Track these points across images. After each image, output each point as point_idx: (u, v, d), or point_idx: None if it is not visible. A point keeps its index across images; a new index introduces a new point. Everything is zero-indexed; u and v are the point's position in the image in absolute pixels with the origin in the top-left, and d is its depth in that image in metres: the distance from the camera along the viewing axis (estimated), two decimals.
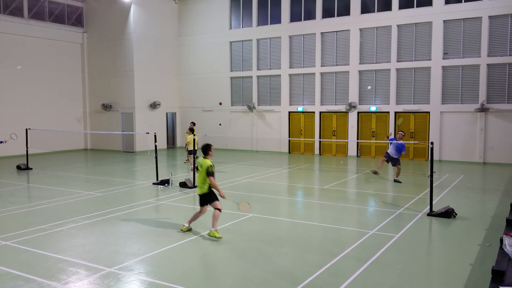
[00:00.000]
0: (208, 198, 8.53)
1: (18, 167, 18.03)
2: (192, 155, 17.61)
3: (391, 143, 15.02)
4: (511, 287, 4.53)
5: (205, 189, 8.46)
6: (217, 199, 8.54)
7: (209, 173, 8.34)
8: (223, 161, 20.73)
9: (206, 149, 8.63)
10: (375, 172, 15.36)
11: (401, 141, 14.70)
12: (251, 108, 25.03)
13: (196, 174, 8.85)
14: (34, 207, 11.36)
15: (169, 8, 27.05)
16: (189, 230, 8.82)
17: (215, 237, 8.27)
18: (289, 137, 24.31)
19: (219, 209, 8.44)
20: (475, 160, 19.83)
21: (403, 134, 15.07)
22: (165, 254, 7.61)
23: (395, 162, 14.88)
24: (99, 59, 26.25)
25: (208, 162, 8.43)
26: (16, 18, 23.12)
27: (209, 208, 8.72)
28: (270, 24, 24.60)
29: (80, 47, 26.56)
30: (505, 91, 19.26)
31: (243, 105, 25.53)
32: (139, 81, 25.13)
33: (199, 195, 8.60)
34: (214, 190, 8.53)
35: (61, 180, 15.57)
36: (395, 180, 14.79)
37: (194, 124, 20.05)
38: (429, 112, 20.80)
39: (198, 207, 10.80)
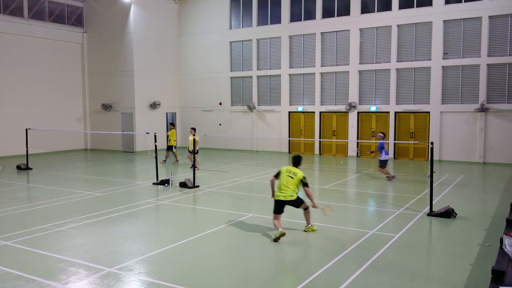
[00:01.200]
0: (295, 203, 8.69)
1: (18, 167, 18.02)
2: (192, 155, 17.64)
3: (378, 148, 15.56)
4: (511, 287, 4.53)
5: (294, 196, 8.61)
6: (303, 201, 8.78)
7: (306, 183, 8.65)
8: (223, 161, 20.73)
9: (299, 161, 8.93)
10: (391, 178, 15.40)
11: (381, 141, 15.32)
12: (251, 108, 25.03)
13: (280, 181, 8.72)
14: (34, 207, 11.36)
15: (169, 8, 27.05)
16: (283, 234, 8.28)
17: (313, 230, 8.93)
18: (289, 137, 24.31)
19: (307, 208, 8.83)
20: (475, 160, 19.83)
21: (382, 135, 15.57)
22: (165, 254, 7.61)
23: (382, 163, 15.35)
24: (99, 59, 26.25)
25: (301, 172, 8.68)
26: (16, 18, 23.12)
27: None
28: (270, 24, 24.60)
29: (80, 47, 26.57)
30: (505, 91, 19.26)
31: (243, 105, 25.53)
32: (139, 81, 25.14)
33: (285, 201, 8.55)
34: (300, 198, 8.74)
35: (61, 180, 15.57)
36: (388, 178, 15.36)
37: (173, 125, 20.22)
38: (429, 112, 20.80)
39: (198, 207, 10.79)
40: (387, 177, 15.43)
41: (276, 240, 8.18)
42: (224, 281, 6.47)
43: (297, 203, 8.69)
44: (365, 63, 22.19)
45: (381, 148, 15.24)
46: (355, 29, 22.12)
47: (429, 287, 6.27)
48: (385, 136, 16.04)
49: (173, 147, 19.67)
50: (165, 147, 26.87)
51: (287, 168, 8.72)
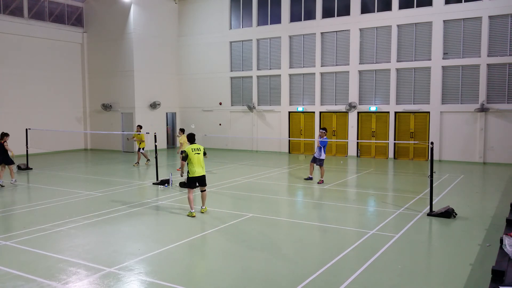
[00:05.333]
0: (204, 180, 10.25)
1: (18, 167, 18.00)
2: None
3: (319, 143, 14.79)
4: (511, 287, 4.53)
5: (204, 171, 10.17)
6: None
7: (205, 153, 10.33)
8: (223, 161, 20.73)
9: (195, 136, 10.46)
10: (310, 178, 14.93)
11: (324, 138, 14.51)
12: (251, 108, 25.03)
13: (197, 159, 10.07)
14: (34, 207, 11.36)
15: (169, 8, 27.05)
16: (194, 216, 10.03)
17: (204, 211, 10.37)
18: (289, 137, 24.31)
19: (205, 190, 10.43)
20: (475, 160, 19.83)
21: (324, 131, 14.62)
22: (165, 254, 7.61)
23: (319, 162, 14.55)
24: (99, 59, 26.25)
25: (201, 145, 10.25)
26: (16, 18, 23.12)
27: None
28: (270, 24, 24.60)
29: (80, 47, 26.57)
30: (505, 91, 19.26)
31: (243, 105, 25.53)
32: (139, 81, 25.13)
33: (203, 176, 10.10)
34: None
35: (61, 180, 15.57)
36: (321, 181, 14.50)
37: (140, 127, 19.66)
38: (429, 112, 20.80)
39: (198, 207, 10.81)
40: (309, 178, 14.90)
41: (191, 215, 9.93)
42: (224, 281, 6.47)
43: (205, 180, 10.25)
44: (365, 63, 22.19)
45: (324, 145, 14.49)
46: (355, 29, 22.12)
47: (429, 287, 6.27)
48: (327, 132, 15.13)
49: (142, 149, 19.37)
50: (165, 147, 27.10)
51: (191, 147, 10.02)
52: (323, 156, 14.52)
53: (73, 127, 26.04)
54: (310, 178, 14.99)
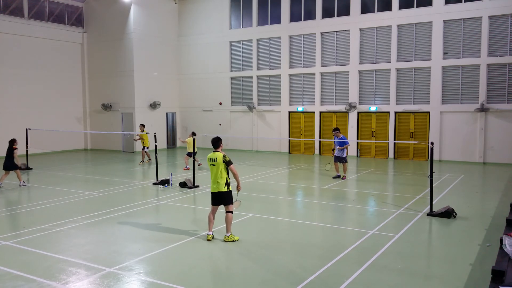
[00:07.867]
0: (225, 198, 8.13)
1: (19, 168, 17.98)
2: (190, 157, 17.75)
3: (335, 143, 15.69)
4: (511, 287, 4.53)
5: (221, 186, 8.04)
6: (232, 202, 8.26)
7: (228, 162, 8.05)
8: None
9: (218, 142, 8.25)
10: (338, 176, 15.73)
11: (341, 136, 15.54)
12: (251, 108, 25.02)
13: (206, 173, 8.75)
14: (34, 207, 11.36)
15: (169, 8, 27.05)
16: (213, 237, 8.36)
17: (234, 240, 8.15)
18: (289, 137, 24.31)
19: (231, 212, 8.22)
20: (475, 160, 19.83)
21: (336, 131, 15.62)
22: (165, 254, 7.61)
23: (341, 160, 15.53)
24: (99, 59, 26.25)
25: (220, 154, 8.09)
26: (16, 18, 23.12)
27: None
28: (270, 24, 24.60)
29: (80, 47, 26.56)
30: (505, 91, 19.26)
31: (243, 105, 25.53)
32: (139, 81, 25.13)
33: (218, 193, 8.11)
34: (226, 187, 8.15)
35: (61, 180, 15.57)
36: (343, 177, 15.53)
37: (144, 126, 20.24)
38: (429, 112, 20.80)
39: (198, 207, 10.80)
40: (337, 176, 15.67)
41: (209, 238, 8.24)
42: (224, 281, 6.47)
43: (226, 199, 8.09)
44: (365, 63, 22.18)
45: (343, 144, 15.41)
46: (355, 29, 22.12)
47: (429, 287, 6.27)
48: (339, 130, 15.94)
49: (146, 147, 19.85)
50: (165, 147, 27.10)
51: (209, 156, 8.16)
52: (345, 154, 15.56)
53: (73, 127, 26.04)
54: (338, 176, 15.71)
